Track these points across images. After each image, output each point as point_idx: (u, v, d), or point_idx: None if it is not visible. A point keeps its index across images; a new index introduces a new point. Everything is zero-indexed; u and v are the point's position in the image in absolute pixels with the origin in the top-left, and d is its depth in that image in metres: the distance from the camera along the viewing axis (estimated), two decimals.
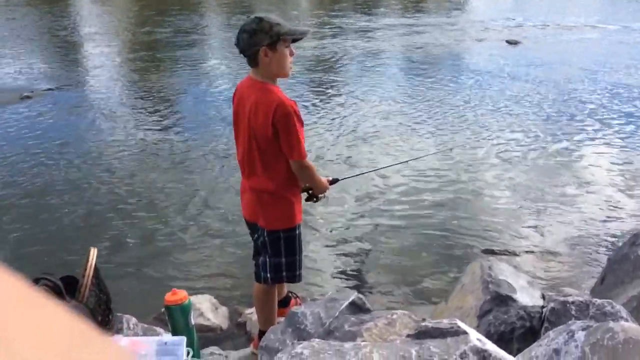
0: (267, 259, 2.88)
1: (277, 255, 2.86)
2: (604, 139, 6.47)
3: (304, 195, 2.92)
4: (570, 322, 1.99)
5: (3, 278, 0.24)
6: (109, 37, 13.17)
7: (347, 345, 1.53)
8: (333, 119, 7.03)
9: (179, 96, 8.60)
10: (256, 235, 2.93)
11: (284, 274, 2.91)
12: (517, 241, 4.51)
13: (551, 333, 1.93)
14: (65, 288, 2.19)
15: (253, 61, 2.63)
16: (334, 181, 3.04)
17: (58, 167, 5.99)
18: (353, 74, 9.46)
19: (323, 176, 2.94)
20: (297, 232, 2.88)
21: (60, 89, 8.83)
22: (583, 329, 1.77)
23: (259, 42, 2.56)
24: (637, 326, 1.82)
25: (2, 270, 0.24)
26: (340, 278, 4.13)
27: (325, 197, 3.00)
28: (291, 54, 2.67)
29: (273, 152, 2.66)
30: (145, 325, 2.71)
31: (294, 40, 2.68)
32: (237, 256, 4.32)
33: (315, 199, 2.95)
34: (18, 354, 0.22)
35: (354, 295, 2.70)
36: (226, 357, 2.89)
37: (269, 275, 2.91)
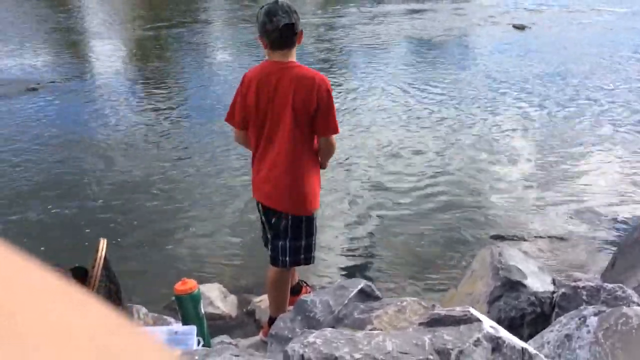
0: (287, 243, 2.90)
1: (298, 238, 2.90)
2: (613, 124, 6.41)
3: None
4: (582, 307, 1.98)
5: (29, 268, 0.24)
6: (114, 28, 13.14)
7: (359, 334, 1.53)
8: (340, 105, 7.01)
9: (185, 85, 8.57)
10: (274, 219, 2.92)
11: (302, 256, 2.95)
12: (526, 226, 4.49)
13: (563, 318, 1.92)
14: (75, 279, 2.19)
15: (292, 41, 2.69)
16: None
17: (66, 157, 6.01)
18: (359, 59, 9.41)
19: None
20: (315, 214, 2.95)
21: (66, 81, 8.83)
22: (595, 314, 1.76)
23: (299, 24, 2.70)
24: None
25: (28, 261, 0.24)
26: (349, 266, 4.13)
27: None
28: None
29: (309, 131, 2.73)
30: (156, 315, 2.72)
31: None
32: (245, 244, 4.33)
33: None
34: (42, 343, 0.21)
35: (362, 283, 2.70)
36: (236, 345, 2.90)
37: (287, 258, 2.92)
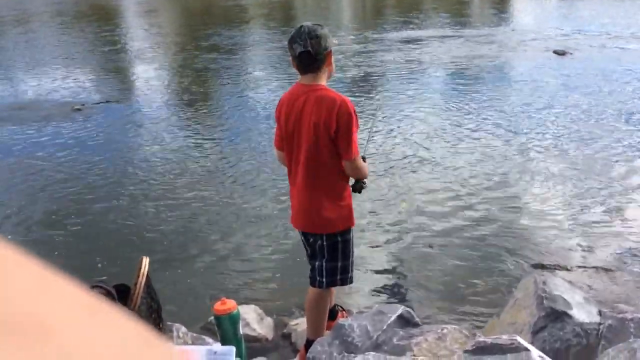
0: (324, 263, 2.91)
1: (334, 259, 2.90)
2: None
3: (355, 191, 2.97)
4: (630, 340, 1.92)
5: (63, 285, 0.25)
6: (156, 50, 13.47)
7: (402, 359, 1.51)
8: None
9: (226, 109, 8.70)
10: (311, 240, 2.95)
11: (338, 277, 2.95)
12: (568, 256, 4.38)
13: (611, 351, 1.86)
14: (117, 296, 2.22)
15: (318, 65, 2.71)
16: (363, 159, 3.07)
17: (111, 178, 6.14)
18: (394, 86, 9.41)
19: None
20: (352, 234, 2.95)
21: (110, 102, 9.08)
22: None
23: (329, 46, 2.71)
24: None
25: (62, 278, 0.25)
26: (386, 292, 4.09)
27: (366, 183, 3.06)
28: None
29: (330, 154, 2.72)
30: (195, 335, 2.73)
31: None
32: (282, 266, 4.33)
33: (365, 185, 3.02)
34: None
35: (402, 309, 2.67)
36: None
37: (324, 280, 2.92)
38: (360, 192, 3.02)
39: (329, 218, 2.83)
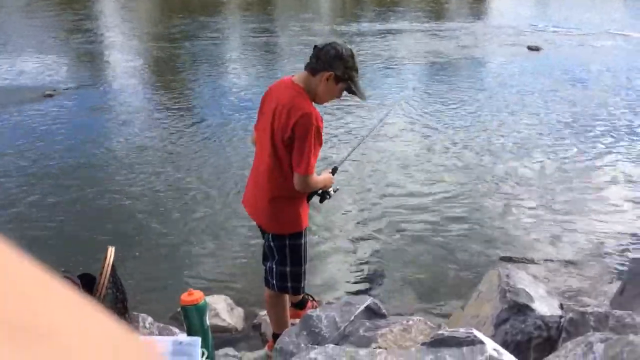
0: (274, 266, 2.89)
1: (283, 263, 2.86)
2: (625, 150, 6.36)
3: (317, 197, 2.93)
4: (589, 333, 1.96)
5: (58, 286, 0.25)
6: (130, 36, 13.28)
7: (362, 351, 1.53)
8: (347, 123, 7.03)
9: (200, 95, 8.65)
10: (263, 234, 2.95)
11: (289, 284, 2.91)
12: (535, 249, 4.46)
13: (569, 344, 1.91)
14: (82, 286, 2.21)
15: (315, 71, 2.65)
16: (334, 170, 3.04)
17: (78, 164, 6.06)
18: (370, 78, 9.42)
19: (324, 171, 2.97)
20: (304, 240, 2.87)
21: (82, 88, 8.94)
22: (602, 341, 1.74)
23: (335, 67, 2.62)
24: None
25: (56, 279, 0.26)
26: (357, 283, 4.12)
27: (336, 190, 3.01)
28: (339, 96, 2.74)
29: (286, 157, 2.66)
30: (161, 325, 2.72)
31: (349, 91, 2.72)
32: (253, 257, 4.33)
33: (328, 196, 2.96)
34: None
35: (369, 300, 2.69)
36: (240, 358, 2.89)
37: (275, 283, 2.91)
38: (321, 202, 2.97)
39: (277, 219, 2.79)
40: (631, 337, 1.58)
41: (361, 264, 4.33)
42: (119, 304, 2.31)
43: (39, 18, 15.19)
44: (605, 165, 5.93)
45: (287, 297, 3.09)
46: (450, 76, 9.59)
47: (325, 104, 2.85)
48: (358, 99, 2.85)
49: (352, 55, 2.65)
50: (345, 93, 2.75)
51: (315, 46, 2.69)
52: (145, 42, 12.85)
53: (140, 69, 10.48)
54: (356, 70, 2.67)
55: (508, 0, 18.85)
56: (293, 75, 2.75)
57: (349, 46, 2.70)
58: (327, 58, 2.61)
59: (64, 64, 10.62)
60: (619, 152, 6.27)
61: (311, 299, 3.56)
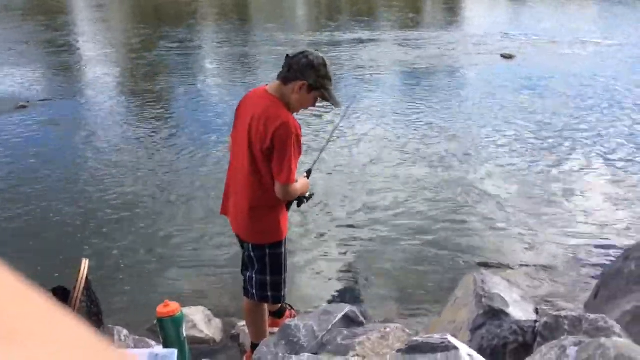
0: (254, 275, 2.88)
1: (263, 272, 2.86)
2: (598, 156, 6.46)
3: (294, 204, 2.93)
4: (562, 337, 1.99)
5: (26, 290, 0.26)
6: (105, 46, 13.18)
7: (337, 359, 1.53)
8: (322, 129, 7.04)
9: (175, 106, 8.61)
10: (243, 245, 2.94)
11: (269, 293, 2.91)
12: (512, 255, 4.51)
13: (543, 348, 1.93)
14: (56, 299, 2.18)
15: (287, 80, 2.65)
16: (309, 173, 3.05)
17: (51, 176, 5.99)
18: (343, 87, 9.45)
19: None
20: (283, 249, 2.87)
21: (56, 100, 8.84)
22: (575, 345, 1.76)
23: (307, 77, 2.62)
24: (629, 342, 1.82)
25: (24, 284, 0.26)
26: (335, 291, 4.12)
27: (312, 194, 3.01)
28: (313, 104, 2.76)
29: (265, 167, 2.66)
30: (137, 337, 2.70)
31: (323, 98, 2.73)
32: (231, 267, 4.30)
33: (305, 200, 2.96)
34: None
35: (347, 308, 2.69)
36: None
37: (255, 292, 2.90)
38: (299, 206, 2.97)
39: (257, 229, 2.79)
40: (603, 340, 1.61)
41: (340, 272, 4.34)
42: (94, 317, 2.28)
43: (11, 28, 15.01)
44: (577, 172, 6.02)
45: (265, 306, 3.09)
46: (422, 85, 9.66)
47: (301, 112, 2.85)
48: (332, 106, 2.87)
49: (324, 64, 2.65)
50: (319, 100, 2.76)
51: (287, 55, 2.70)
52: (117, 52, 12.76)
53: (116, 79, 10.40)
54: (329, 79, 2.68)
55: (482, 9, 19.09)
56: (266, 85, 2.76)
57: (321, 54, 2.70)
58: (299, 67, 2.61)
59: (39, 75, 10.50)
60: (589, 159, 6.37)
61: (289, 307, 3.56)
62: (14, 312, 0.24)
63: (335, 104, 2.75)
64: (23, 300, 0.25)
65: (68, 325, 0.26)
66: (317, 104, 2.79)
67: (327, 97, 2.69)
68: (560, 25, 15.21)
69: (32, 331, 0.24)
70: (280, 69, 2.70)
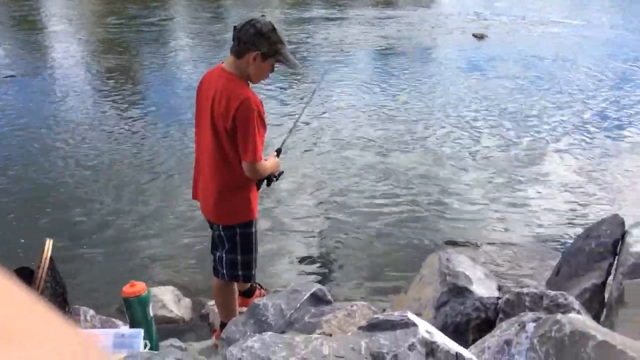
0: (224, 255, 2.88)
1: (233, 251, 2.85)
2: (565, 136, 6.57)
3: (263, 183, 2.92)
4: (522, 313, 2.04)
5: (19, 291, 0.27)
6: (72, 23, 12.88)
7: (298, 338, 1.55)
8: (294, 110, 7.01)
9: (143, 81, 8.49)
10: (213, 226, 2.93)
11: (240, 272, 2.91)
12: (479, 233, 4.59)
13: (504, 324, 1.98)
14: (20, 280, 2.15)
15: (240, 53, 2.59)
16: (278, 152, 3.02)
17: (15, 153, 5.88)
18: (317, 67, 9.41)
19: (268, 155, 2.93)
20: (254, 228, 2.87)
21: (22, 76, 8.64)
22: (533, 321, 1.81)
23: (258, 45, 2.55)
24: (585, 318, 1.88)
25: (17, 284, 0.27)
26: (305, 270, 4.15)
27: (281, 173, 2.99)
28: (272, 70, 2.69)
29: (230, 146, 2.63)
30: (103, 317, 2.69)
31: (280, 62, 2.67)
32: (201, 247, 4.30)
33: (275, 179, 2.94)
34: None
35: (315, 287, 2.72)
36: (186, 348, 2.88)
37: (225, 272, 2.90)
38: (269, 185, 2.94)
39: (227, 210, 2.76)
40: (559, 316, 1.66)
41: (306, 251, 4.36)
42: (59, 298, 2.27)
43: None
44: (545, 154, 6.12)
45: (235, 286, 3.09)
46: (392, 63, 9.67)
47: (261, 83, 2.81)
48: (291, 69, 2.83)
49: (272, 29, 2.58)
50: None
51: (235, 27, 2.62)
52: (88, 28, 12.48)
53: (83, 56, 10.18)
54: (282, 42, 2.61)
55: None
56: (222, 63, 2.72)
57: (267, 19, 2.62)
58: (249, 38, 2.55)
59: (4, 52, 10.22)
60: (558, 141, 6.48)
61: (259, 287, 3.57)
62: (12, 313, 0.24)
63: (293, 66, 2.71)
64: (20, 302, 0.26)
65: (63, 327, 0.27)
66: (275, 69, 2.73)
67: (283, 60, 2.64)
68: (532, 6, 15.32)
69: (30, 332, 0.24)
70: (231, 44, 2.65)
